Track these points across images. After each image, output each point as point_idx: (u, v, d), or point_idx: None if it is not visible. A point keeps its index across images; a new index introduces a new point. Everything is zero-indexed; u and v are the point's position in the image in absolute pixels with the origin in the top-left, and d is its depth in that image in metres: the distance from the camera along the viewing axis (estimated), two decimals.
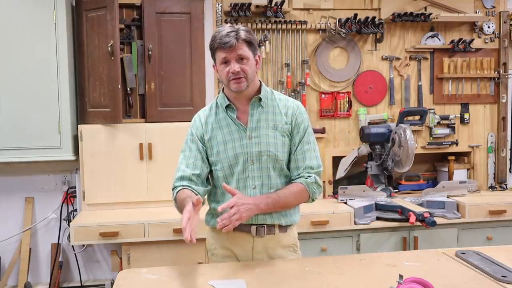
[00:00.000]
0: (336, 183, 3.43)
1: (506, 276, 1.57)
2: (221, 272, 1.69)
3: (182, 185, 1.79)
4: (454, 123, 3.61)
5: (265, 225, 1.82)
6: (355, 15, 3.34)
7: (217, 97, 1.89)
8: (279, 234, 1.85)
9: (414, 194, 3.42)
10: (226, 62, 1.73)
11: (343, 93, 3.50)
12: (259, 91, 1.84)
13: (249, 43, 1.74)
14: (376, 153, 3.37)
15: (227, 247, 1.86)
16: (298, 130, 1.85)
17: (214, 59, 1.78)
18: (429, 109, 3.54)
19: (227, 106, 1.82)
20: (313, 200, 1.87)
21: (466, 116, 3.63)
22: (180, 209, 1.71)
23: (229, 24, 1.78)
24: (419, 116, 3.42)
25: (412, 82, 3.59)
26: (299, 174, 1.84)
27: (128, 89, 3.20)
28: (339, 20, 3.37)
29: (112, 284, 3.16)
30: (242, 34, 1.71)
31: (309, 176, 1.83)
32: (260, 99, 1.82)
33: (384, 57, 3.54)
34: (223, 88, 1.87)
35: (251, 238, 1.82)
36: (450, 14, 3.52)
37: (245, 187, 1.80)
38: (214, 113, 1.86)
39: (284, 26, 3.35)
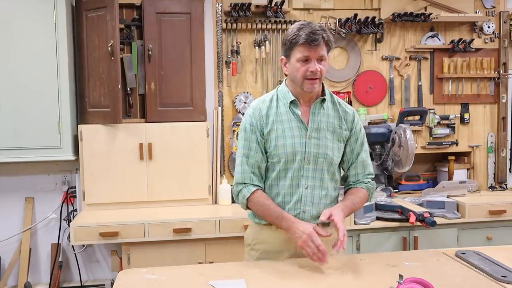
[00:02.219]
0: None
1: (506, 276, 1.57)
2: (221, 272, 1.69)
3: (255, 185, 1.82)
4: (454, 123, 3.61)
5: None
6: (355, 15, 3.34)
7: (278, 88, 1.89)
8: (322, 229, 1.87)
9: (414, 194, 3.42)
10: (306, 60, 1.72)
11: (343, 93, 3.50)
12: (322, 92, 1.86)
13: (330, 45, 1.74)
14: (376, 153, 3.37)
15: (271, 242, 1.86)
16: (357, 137, 1.89)
17: (289, 54, 1.76)
18: (429, 109, 3.54)
19: (292, 101, 1.82)
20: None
21: (466, 116, 3.63)
22: (265, 214, 1.80)
23: (306, 21, 1.75)
24: (419, 116, 3.43)
25: (412, 82, 3.59)
26: (358, 180, 1.90)
27: (128, 89, 3.20)
28: (339, 20, 3.37)
29: (112, 284, 3.16)
30: (326, 35, 1.71)
31: (369, 182, 1.90)
32: (323, 100, 1.84)
33: (384, 57, 3.54)
34: (284, 81, 1.88)
35: None
36: (450, 14, 3.52)
37: (298, 185, 1.82)
38: (275, 105, 1.85)
39: (284, 26, 3.35)
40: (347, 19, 3.35)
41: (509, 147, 3.70)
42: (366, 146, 1.93)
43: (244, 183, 1.83)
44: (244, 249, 2.00)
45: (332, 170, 1.85)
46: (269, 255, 1.86)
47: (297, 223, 1.73)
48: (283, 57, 1.81)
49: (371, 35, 3.50)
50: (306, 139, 1.80)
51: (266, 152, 1.85)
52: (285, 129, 1.81)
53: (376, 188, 3.31)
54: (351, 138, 1.88)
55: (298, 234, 1.70)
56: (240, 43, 3.33)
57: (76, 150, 3.13)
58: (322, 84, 1.86)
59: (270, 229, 1.86)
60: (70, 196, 3.34)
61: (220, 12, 3.27)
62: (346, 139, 1.87)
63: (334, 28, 3.36)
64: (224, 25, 3.30)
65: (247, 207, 1.86)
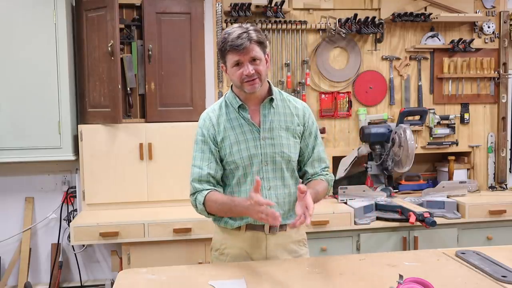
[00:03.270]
0: (336, 183, 3.43)
1: (506, 276, 1.57)
2: (221, 272, 1.69)
3: (207, 189, 1.80)
4: (454, 123, 3.61)
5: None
6: (355, 15, 3.34)
7: (225, 95, 1.88)
8: (290, 230, 1.87)
9: (414, 194, 3.42)
10: (238, 64, 1.72)
11: (343, 93, 3.50)
12: (269, 91, 1.85)
13: (260, 43, 1.73)
14: (376, 153, 3.37)
15: (240, 247, 1.86)
16: (311, 131, 1.89)
17: (224, 61, 1.76)
18: (429, 109, 3.54)
19: (240, 106, 1.82)
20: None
21: (466, 116, 3.63)
22: (226, 209, 1.75)
23: (237, 24, 1.76)
24: (419, 116, 3.42)
25: (412, 82, 3.59)
26: (316, 173, 1.90)
27: (128, 89, 3.20)
28: (339, 20, 3.37)
29: (112, 284, 3.16)
30: (253, 35, 1.70)
31: (327, 174, 1.92)
32: (271, 100, 1.83)
33: (384, 57, 3.54)
34: (231, 87, 1.87)
35: (264, 236, 1.84)
36: (450, 14, 3.52)
37: (260, 188, 1.81)
38: (225, 112, 1.84)
39: (284, 26, 3.35)
40: (347, 19, 3.35)
41: (509, 147, 3.70)
42: (320, 140, 1.93)
43: (197, 192, 1.81)
44: (211, 253, 1.97)
45: (291, 168, 1.85)
46: (239, 259, 1.85)
47: (244, 202, 1.66)
48: (222, 64, 1.81)
49: (371, 35, 3.50)
50: (260, 141, 1.80)
51: (222, 160, 1.84)
52: (238, 135, 1.80)
53: (376, 188, 3.33)
54: (304, 133, 1.88)
55: (251, 210, 1.62)
56: None
57: (76, 150, 3.13)
58: (269, 83, 1.86)
59: (238, 233, 1.85)
60: (70, 196, 3.34)
61: (220, 12, 3.27)
62: (300, 134, 1.87)
63: (334, 28, 3.36)
64: (224, 25, 3.30)
65: (207, 213, 1.81)
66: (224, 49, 1.71)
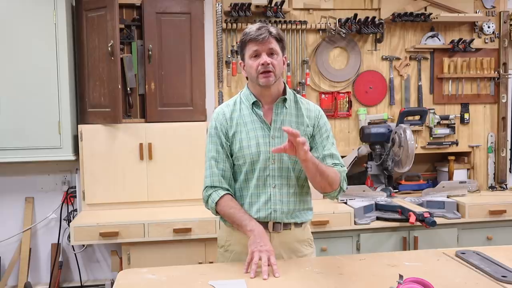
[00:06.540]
0: None
1: (506, 276, 1.57)
2: (221, 272, 1.69)
3: (225, 188, 1.84)
4: (454, 123, 3.61)
5: (282, 222, 1.85)
6: (355, 15, 3.34)
7: (241, 92, 1.93)
8: (295, 229, 1.89)
9: (414, 194, 3.42)
10: (256, 55, 1.77)
11: (343, 93, 3.50)
12: (284, 92, 1.88)
13: (279, 40, 1.80)
14: (376, 153, 3.37)
15: (244, 244, 1.86)
16: (321, 132, 1.90)
17: (243, 54, 1.82)
18: (429, 109, 3.54)
19: (254, 103, 1.85)
20: (341, 190, 1.90)
21: (466, 116, 3.63)
22: (232, 219, 1.81)
23: (259, 23, 1.84)
24: (419, 116, 3.43)
25: (412, 82, 3.59)
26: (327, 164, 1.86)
27: (128, 89, 3.20)
28: (339, 20, 3.37)
29: (112, 284, 3.16)
30: (273, 30, 1.78)
31: (338, 166, 1.87)
32: (284, 100, 1.86)
33: (384, 57, 3.54)
34: (247, 84, 1.91)
35: (268, 234, 1.84)
36: (450, 14, 3.52)
37: (264, 185, 1.83)
38: (239, 108, 1.88)
39: (284, 26, 3.35)
40: (347, 19, 3.35)
41: (509, 147, 3.70)
42: (333, 140, 1.93)
43: (214, 187, 1.85)
44: (217, 250, 2.00)
45: (298, 168, 1.86)
46: (243, 257, 1.85)
47: (259, 237, 1.72)
48: (240, 61, 1.87)
49: (371, 35, 3.50)
50: (269, 139, 1.83)
51: (231, 155, 1.87)
52: (249, 131, 1.83)
53: (376, 188, 3.33)
54: (315, 134, 1.89)
55: (251, 244, 1.71)
56: None
57: (76, 150, 3.13)
58: (285, 84, 1.89)
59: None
60: (70, 196, 3.34)
61: (220, 12, 3.27)
62: (310, 135, 1.88)
63: (334, 28, 3.36)
64: (224, 25, 3.30)
65: (216, 212, 1.86)
66: (245, 40, 1.79)
